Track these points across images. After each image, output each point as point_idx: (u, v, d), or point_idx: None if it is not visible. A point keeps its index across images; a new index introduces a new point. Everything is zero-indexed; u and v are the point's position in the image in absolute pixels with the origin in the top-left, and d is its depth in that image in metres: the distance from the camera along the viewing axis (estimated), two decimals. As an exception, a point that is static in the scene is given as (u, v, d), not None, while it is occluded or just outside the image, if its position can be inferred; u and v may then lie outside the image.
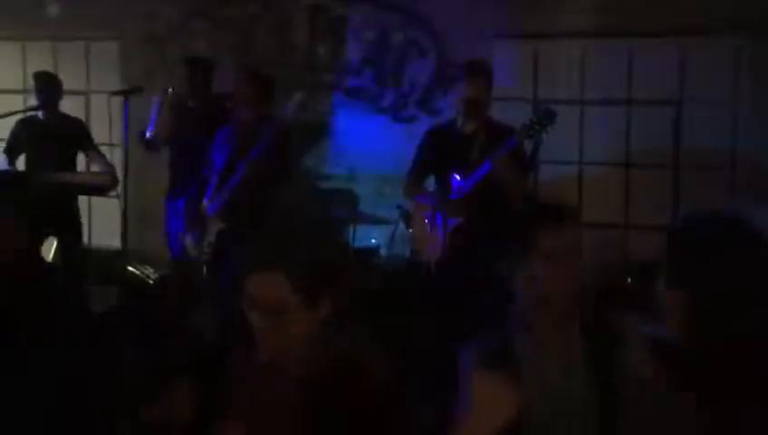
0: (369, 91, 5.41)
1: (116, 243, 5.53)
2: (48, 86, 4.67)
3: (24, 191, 2.16)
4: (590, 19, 4.83)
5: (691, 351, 1.44)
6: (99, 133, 5.37)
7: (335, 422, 1.48)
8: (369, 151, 5.30)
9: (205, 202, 3.90)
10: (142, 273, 5.35)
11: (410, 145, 4.86)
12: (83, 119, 5.39)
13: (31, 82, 4.85)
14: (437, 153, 3.69)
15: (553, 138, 4.35)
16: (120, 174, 4.44)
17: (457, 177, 3.52)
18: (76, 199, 4.64)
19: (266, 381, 1.54)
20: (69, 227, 4.36)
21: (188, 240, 3.91)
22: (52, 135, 4.67)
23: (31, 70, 5.95)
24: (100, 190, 4.52)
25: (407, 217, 4.22)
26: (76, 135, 4.78)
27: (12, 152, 4.77)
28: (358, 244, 4.80)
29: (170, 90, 4.42)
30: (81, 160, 4.87)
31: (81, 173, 4.67)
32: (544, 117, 3.36)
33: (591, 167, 4.93)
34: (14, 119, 4.88)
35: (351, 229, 4.77)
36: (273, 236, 1.50)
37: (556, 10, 4.87)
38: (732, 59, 4.60)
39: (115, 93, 4.11)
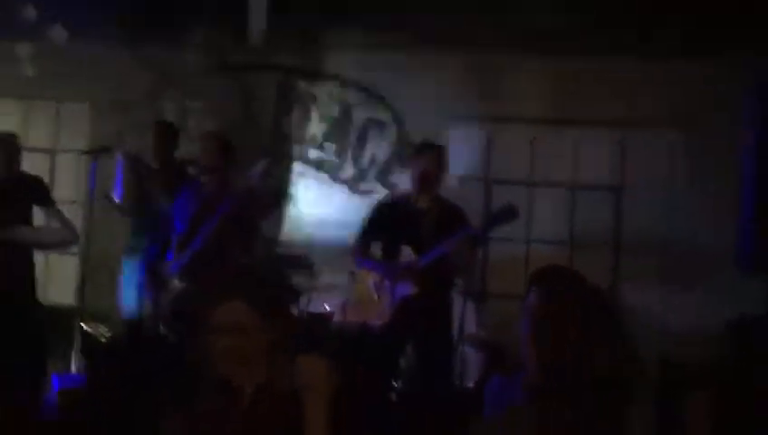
0: (330, 164, 5.66)
1: (69, 300, 5.63)
2: (7, 147, 4.78)
3: None
4: (540, 106, 5.18)
5: None
6: (64, 191, 5.50)
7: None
8: (327, 220, 5.50)
9: (165, 263, 4.02)
10: (95, 331, 5.37)
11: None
12: (48, 176, 5.51)
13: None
14: (389, 224, 3.87)
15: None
16: (81, 231, 4.54)
17: (408, 249, 3.68)
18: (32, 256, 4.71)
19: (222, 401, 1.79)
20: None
21: (147, 299, 4.00)
22: (10, 195, 4.77)
23: (-1, 126, 6.13)
24: (60, 246, 4.60)
25: (352, 280, 4.35)
26: (35, 193, 4.88)
27: None
28: (312, 310, 4.92)
29: (127, 151, 4.59)
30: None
31: (41, 228, 4.74)
32: (507, 214, 3.54)
33: (537, 244, 5.18)
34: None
35: (307, 296, 4.90)
36: (235, 275, 1.91)
37: (509, 97, 5.22)
38: (668, 149, 4.96)
39: (84, 153, 4.25)
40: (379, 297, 3.70)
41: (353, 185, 5.61)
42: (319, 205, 5.57)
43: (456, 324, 3.75)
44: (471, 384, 4.59)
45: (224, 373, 1.80)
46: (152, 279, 4.01)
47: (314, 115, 5.70)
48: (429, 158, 3.77)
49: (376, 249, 3.97)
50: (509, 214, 3.52)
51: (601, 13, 4.70)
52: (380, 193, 5.45)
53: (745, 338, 3.87)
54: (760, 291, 4.09)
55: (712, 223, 4.70)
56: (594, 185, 5.12)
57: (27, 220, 4.81)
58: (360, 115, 5.62)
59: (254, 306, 1.78)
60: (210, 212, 3.92)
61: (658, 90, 4.89)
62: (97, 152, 4.14)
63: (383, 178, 5.56)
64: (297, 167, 5.67)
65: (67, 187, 5.79)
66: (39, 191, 4.91)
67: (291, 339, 1.83)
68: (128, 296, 4.53)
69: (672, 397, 3.34)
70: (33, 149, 5.39)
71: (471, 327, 4.55)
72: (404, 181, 5.38)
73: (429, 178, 3.73)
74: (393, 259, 3.71)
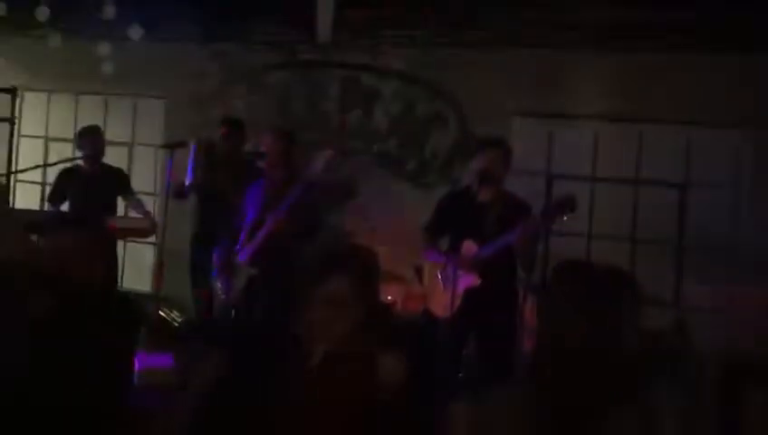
0: (394, 157, 5.79)
1: (146, 287, 5.92)
2: (94, 139, 5.11)
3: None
4: (603, 103, 5.18)
5: None
6: (140, 182, 5.78)
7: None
8: (389, 212, 5.63)
9: (236, 250, 4.22)
10: (169, 316, 5.64)
11: (429, 209, 5.23)
12: (126, 168, 5.81)
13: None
14: (454, 217, 3.95)
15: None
16: (160, 220, 4.80)
17: (471, 243, 3.77)
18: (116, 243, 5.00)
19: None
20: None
21: (219, 285, 4.21)
22: (95, 183, 5.08)
23: (82, 122, 6.49)
24: (140, 235, 4.87)
25: (419, 273, 4.46)
26: (117, 183, 5.20)
27: (55, 199, 5.18)
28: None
29: (202, 140, 4.81)
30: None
31: (123, 218, 5.04)
32: (566, 203, 3.55)
33: (599, 240, 5.19)
34: (59, 167, 5.33)
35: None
36: (343, 254, 2.11)
37: (572, 93, 5.23)
38: (733, 150, 4.91)
39: (161, 147, 4.48)
40: (444, 288, 3.80)
41: (416, 178, 5.73)
42: (383, 198, 5.70)
43: (517, 318, 3.83)
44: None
45: (306, 337, 1.99)
46: (224, 265, 4.21)
47: (378, 110, 5.83)
48: (493, 153, 3.84)
49: (443, 242, 4.08)
50: (568, 203, 3.54)
51: (665, 7, 4.67)
52: (442, 186, 5.55)
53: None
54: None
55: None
56: (657, 181, 5.10)
57: (112, 209, 5.13)
58: (422, 110, 5.72)
59: (354, 282, 1.98)
60: (277, 202, 4.10)
61: (725, 87, 4.83)
62: (174, 146, 4.35)
63: (445, 171, 5.65)
64: (362, 161, 5.82)
65: (143, 179, 6.07)
66: (122, 182, 5.25)
67: (373, 316, 2.03)
68: (198, 282, 4.75)
69: (733, 395, 3.36)
70: (112, 143, 5.69)
71: (532, 321, 4.62)
72: (466, 175, 5.50)
73: (492, 173, 3.79)
74: (458, 251, 3.80)
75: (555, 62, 5.25)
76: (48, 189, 5.45)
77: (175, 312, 5.64)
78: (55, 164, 5.27)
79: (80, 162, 5.20)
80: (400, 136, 5.78)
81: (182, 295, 5.48)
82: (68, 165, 5.22)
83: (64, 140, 6.60)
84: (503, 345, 3.75)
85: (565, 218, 3.55)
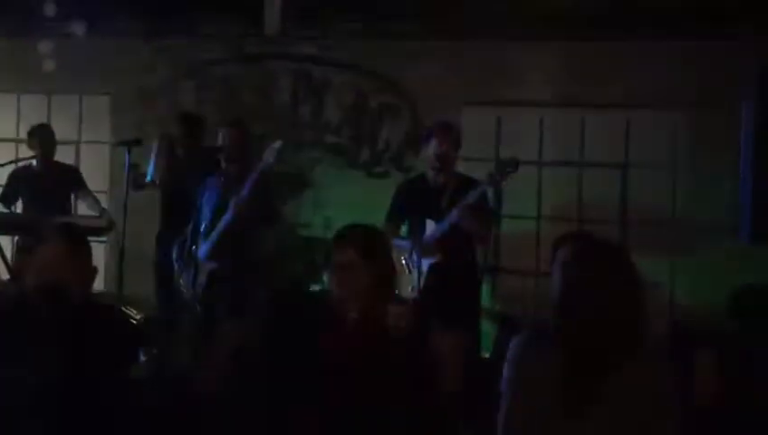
0: (347, 148, 5.88)
1: (99, 285, 5.86)
2: (45, 138, 5.06)
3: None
4: (547, 90, 5.39)
5: None
6: (90, 181, 5.71)
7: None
8: (344, 203, 5.72)
9: (195, 247, 4.26)
10: (125, 314, 5.62)
11: (382, 198, 5.34)
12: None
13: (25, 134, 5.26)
14: (411, 203, 4.13)
15: (514, 195, 4.87)
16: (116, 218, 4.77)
17: (431, 223, 3.95)
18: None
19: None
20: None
21: (182, 281, 4.24)
22: (49, 182, 5.04)
23: (26, 121, 6.36)
24: (96, 233, 4.84)
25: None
26: (71, 181, 5.16)
27: (7, 200, 5.12)
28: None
29: (165, 134, 4.82)
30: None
31: (80, 216, 5.00)
32: (508, 164, 3.86)
33: (547, 221, 5.41)
34: (10, 167, 5.25)
35: (325, 274, 5.15)
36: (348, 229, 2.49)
37: (517, 81, 5.42)
38: (671, 131, 5.17)
39: (119, 144, 4.47)
40: (410, 271, 3.94)
41: (369, 168, 5.84)
42: (336, 188, 5.79)
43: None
44: (486, 355, 4.85)
45: (335, 304, 2.33)
46: (185, 262, 4.24)
47: (330, 102, 5.91)
48: (444, 138, 4.01)
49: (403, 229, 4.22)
50: (510, 163, 3.83)
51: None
52: (396, 175, 5.68)
53: (744, 304, 4.14)
54: (759, 261, 4.35)
55: (714, 198, 4.93)
56: (601, 163, 5.34)
57: (66, 207, 5.08)
58: (374, 101, 5.83)
59: (360, 251, 2.32)
60: (233, 194, 4.16)
61: (662, 71, 5.08)
62: (131, 144, 4.35)
63: (398, 161, 5.78)
64: (314, 152, 5.89)
65: (93, 177, 5.98)
66: (76, 179, 5.21)
67: (385, 281, 2.38)
68: (162, 279, 4.76)
69: (680, 358, 3.60)
70: (58, 142, 5.59)
71: (485, 301, 4.80)
72: (418, 164, 5.63)
73: (445, 157, 3.97)
74: (419, 234, 3.95)
75: (501, 52, 5.43)
76: (-1, 190, 5.37)
77: (132, 310, 5.63)
78: (5, 165, 5.19)
79: (32, 162, 5.14)
80: (353, 127, 5.87)
81: (137, 294, 5.48)
82: (20, 165, 5.15)
83: (7, 140, 6.47)
84: (466, 320, 3.93)
85: (509, 178, 3.78)
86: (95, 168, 6.14)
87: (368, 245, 2.38)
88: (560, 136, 5.40)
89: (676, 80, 5.04)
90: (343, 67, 5.84)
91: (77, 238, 2.36)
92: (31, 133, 5.15)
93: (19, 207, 5.25)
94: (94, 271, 2.40)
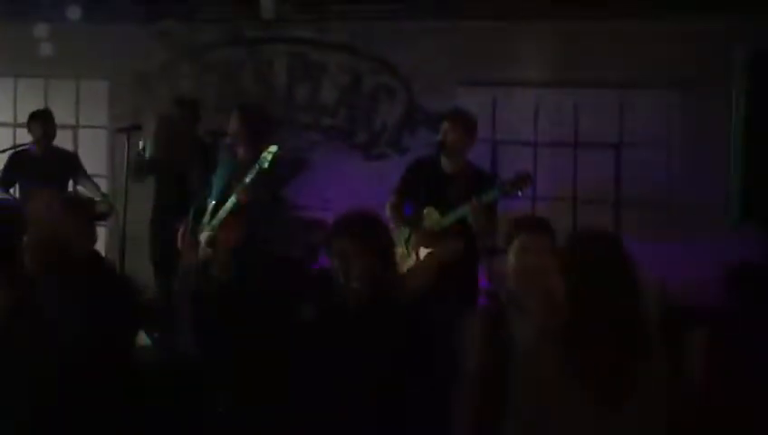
0: (343, 130, 5.92)
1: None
2: (44, 123, 5.10)
3: None
4: (542, 70, 5.43)
5: None
6: (88, 166, 5.75)
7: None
8: (342, 185, 5.78)
9: (200, 230, 4.30)
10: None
11: (379, 179, 5.40)
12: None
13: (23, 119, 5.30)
14: (419, 185, 4.10)
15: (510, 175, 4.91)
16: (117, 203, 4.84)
17: (435, 211, 3.95)
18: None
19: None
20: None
21: (186, 265, 4.28)
22: (46, 167, 5.09)
23: (22, 105, 6.39)
24: (96, 218, 4.88)
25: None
26: (68, 166, 5.21)
27: (6, 183, 5.17)
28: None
29: (164, 117, 4.86)
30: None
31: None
32: (522, 181, 3.84)
33: (543, 201, 5.47)
34: (9, 151, 5.29)
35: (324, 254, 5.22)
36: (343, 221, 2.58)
37: (512, 61, 5.46)
38: (664, 110, 5.23)
39: (118, 130, 4.51)
40: (409, 254, 3.99)
41: (366, 150, 5.89)
42: (333, 170, 5.84)
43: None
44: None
45: (343, 285, 2.48)
46: (189, 244, 4.28)
47: (326, 84, 5.94)
48: (457, 126, 4.00)
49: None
50: (526, 181, 3.82)
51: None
52: (392, 157, 5.74)
53: (737, 283, 4.21)
54: (749, 239, 4.42)
55: (706, 178, 5.00)
56: (595, 143, 5.39)
57: (63, 192, 5.11)
58: (369, 82, 5.86)
59: (358, 241, 2.46)
60: (241, 179, 4.19)
61: (656, 51, 5.12)
62: (130, 129, 4.40)
63: (394, 142, 5.83)
64: (311, 135, 5.93)
65: (91, 162, 6.02)
66: (73, 165, 5.25)
67: (380, 262, 2.49)
68: (163, 260, 4.80)
69: (672, 337, 3.68)
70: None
71: (482, 282, 4.87)
72: (414, 144, 5.69)
73: (457, 143, 3.97)
74: (421, 219, 3.98)
75: (496, 32, 5.46)
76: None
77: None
78: (4, 151, 5.24)
79: (31, 146, 5.18)
80: (349, 109, 5.91)
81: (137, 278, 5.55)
82: (18, 149, 5.20)
83: (5, 124, 6.50)
84: (463, 303, 3.98)
85: (520, 194, 3.81)
86: (93, 153, 6.18)
87: (365, 235, 2.48)
88: (555, 116, 5.44)
89: (670, 60, 5.08)
90: (339, 49, 5.87)
91: (73, 199, 2.42)
92: (31, 118, 5.19)
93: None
94: (94, 231, 2.45)
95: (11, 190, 5.25)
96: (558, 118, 5.44)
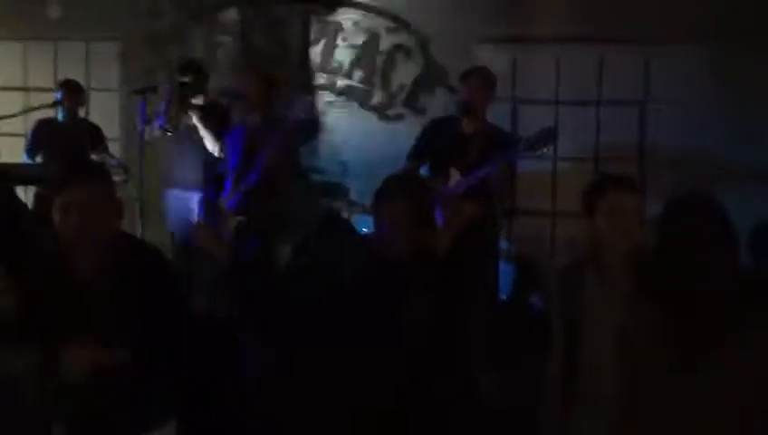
0: (359, 91, 5.80)
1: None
2: (74, 93, 5.05)
3: None
4: (563, 26, 5.27)
5: None
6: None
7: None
8: (358, 146, 5.69)
9: (221, 198, 4.23)
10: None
11: (396, 140, 5.30)
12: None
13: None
14: (437, 145, 4.01)
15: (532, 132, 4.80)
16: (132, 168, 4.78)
17: (455, 172, 3.86)
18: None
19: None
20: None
21: (206, 231, 4.22)
22: (70, 137, 5.04)
23: (32, 69, 6.29)
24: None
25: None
26: (91, 137, 5.18)
27: (33, 152, 5.14)
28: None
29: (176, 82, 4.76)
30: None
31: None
32: (547, 135, 3.70)
33: (564, 162, 5.36)
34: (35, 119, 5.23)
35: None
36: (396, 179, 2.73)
37: (533, 17, 5.30)
38: (692, 66, 5.07)
39: (135, 92, 4.41)
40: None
41: (382, 111, 5.77)
42: (349, 132, 5.74)
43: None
44: (504, 297, 4.89)
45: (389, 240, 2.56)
46: (211, 213, 4.22)
47: (341, 44, 5.80)
48: (476, 82, 3.90)
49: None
50: (550, 136, 3.68)
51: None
52: (409, 118, 5.63)
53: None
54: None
55: (738, 136, 4.87)
56: (618, 101, 5.26)
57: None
58: (385, 42, 5.72)
59: (410, 206, 2.52)
60: (259, 146, 4.09)
61: (681, 5, 4.95)
62: (145, 91, 4.30)
63: (411, 102, 5.70)
64: (326, 96, 5.81)
65: (102, 126, 5.94)
66: (99, 137, 5.22)
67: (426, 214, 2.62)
68: (181, 226, 4.74)
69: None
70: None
71: (502, 243, 4.81)
72: (432, 105, 5.57)
73: (475, 103, 3.87)
74: (441, 180, 3.90)
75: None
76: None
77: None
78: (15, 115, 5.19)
79: (56, 115, 5.17)
80: (364, 69, 5.78)
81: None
82: (44, 117, 5.16)
83: (15, 88, 6.40)
84: (488, 269, 3.93)
85: (545, 150, 3.70)
86: (105, 116, 6.09)
87: (415, 196, 2.58)
88: (577, 74, 5.30)
89: (698, 13, 4.91)
90: (353, 7, 5.71)
91: (98, 175, 2.30)
92: (62, 87, 5.15)
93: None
94: (120, 205, 2.32)
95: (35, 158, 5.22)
96: (580, 75, 5.30)
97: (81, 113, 5.55)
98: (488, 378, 3.25)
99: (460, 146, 3.90)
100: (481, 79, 3.95)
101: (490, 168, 3.71)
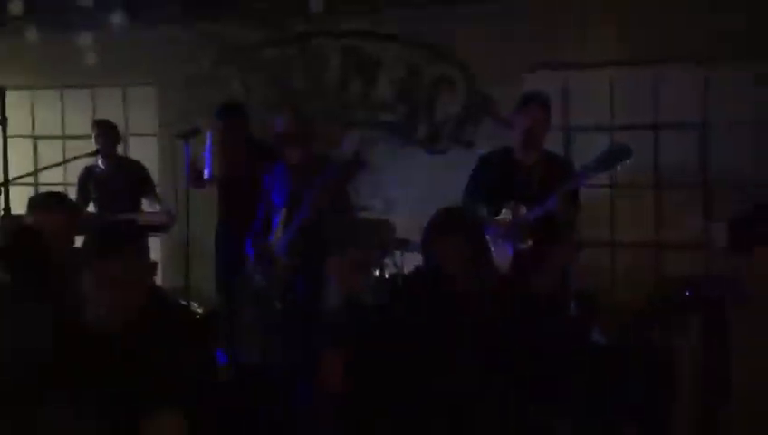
0: (403, 126, 5.63)
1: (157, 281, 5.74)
2: (108, 130, 4.96)
3: None
4: (613, 48, 5.07)
5: None
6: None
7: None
8: (404, 183, 5.50)
9: (270, 240, 4.05)
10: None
11: (443, 175, 5.11)
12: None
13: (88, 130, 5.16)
14: (495, 180, 3.76)
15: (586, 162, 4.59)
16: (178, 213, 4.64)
17: (522, 206, 3.62)
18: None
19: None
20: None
21: (259, 277, 4.05)
22: (117, 183, 4.95)
23: (70, 117, 6.26)
24: (159, 229, 4.71)
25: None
26: (139, 180, 5.07)
27: (84, 199, 5.05)
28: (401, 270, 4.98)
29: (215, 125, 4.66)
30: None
31: (142, 213, 4.88)
32: (620, 153, 3.40)
33: (622, 189, 5.12)
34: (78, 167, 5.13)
35: (394, 256, 4.98)
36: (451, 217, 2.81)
37: (581, 41, 5.11)
38: (752, 84, 4.82)
39: (178, 136, 4.29)
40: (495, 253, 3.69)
41: (428, 145, 5.59)
42: (394, 168, 5.57)
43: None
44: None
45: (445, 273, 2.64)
46: (260, 256, 4.05)
47: (382, 78, 5.66)
48: (534, 111, 3.67)
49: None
50: (623, 153, 3.39)
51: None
52: (456, 151, 5.44)
53: None
54: None
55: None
56: (677, 124, 5.02)
57: (130, 204, 4.95)
58: (427, 73, 5.56)
59: (462, 237, 2.66)
60: (305, 185, 3.93)
61: (738, 24, 4.73)
62: (189, 134, 4.18)
63: (457, 135, 5.52)
64: (369, 132, 5.65)
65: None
66: (145, 180, 5.11)
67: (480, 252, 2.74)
68: (227, 271, 4.60)
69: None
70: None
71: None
72: (478, 137, 5.39)
73: (535, 131, 3.64)
74: (500, 216, 3.69)
75: (561, 10, 5.11)
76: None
77: (193, 304, 5.50)
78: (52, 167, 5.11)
79: (97, 162, 5.09)
80: (407, 102, 5.62)
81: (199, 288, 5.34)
82: (88, 164, 5.07)
83: (53, 137, 6.37)
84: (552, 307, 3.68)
85: (619, 168, 3.47)
86: (144, 161, 5.99)
87: (469, 231, 2.71)
88: (632, 97, 5.08)
89: (757, 30, 4.69)
90: (393, 40, 5.58)
91: (129, 241, 2.33)
92: (95, 127, 5.07)
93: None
94: (152, 267, 2.42)
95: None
96: (635, 98, 5.08)
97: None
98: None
99: (521, 178, 3.67)
100: (541, 104, 3.72)
101: (552, 200, 3.47)
